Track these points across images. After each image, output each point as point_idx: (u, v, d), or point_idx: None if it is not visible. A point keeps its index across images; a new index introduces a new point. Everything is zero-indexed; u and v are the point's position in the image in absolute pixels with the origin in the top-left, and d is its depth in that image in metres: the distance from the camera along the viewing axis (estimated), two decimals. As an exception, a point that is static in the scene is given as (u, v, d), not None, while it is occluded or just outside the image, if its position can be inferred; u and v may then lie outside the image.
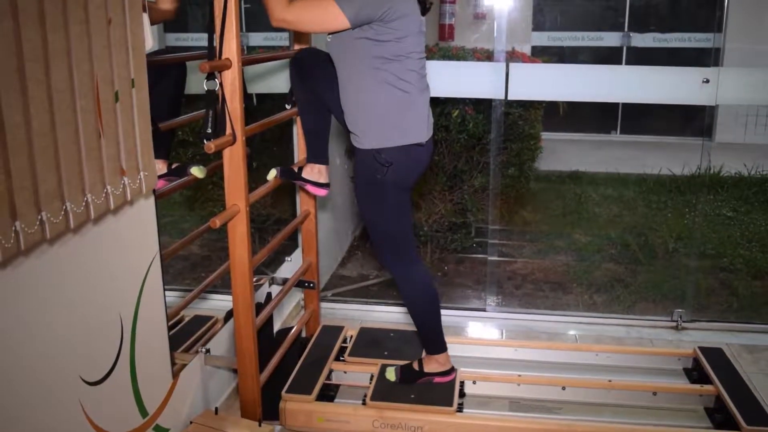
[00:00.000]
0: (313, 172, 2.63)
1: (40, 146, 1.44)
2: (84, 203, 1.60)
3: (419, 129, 2.35)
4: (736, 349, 3.21)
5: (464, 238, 4.40)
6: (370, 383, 2.71)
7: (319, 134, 2.61)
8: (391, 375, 2.70)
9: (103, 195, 1.68)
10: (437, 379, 2.67)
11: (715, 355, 2.90)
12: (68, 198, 1.54)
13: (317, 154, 2.62)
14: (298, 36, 2.83)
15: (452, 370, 2.70)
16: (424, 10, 2.36)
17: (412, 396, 2.60)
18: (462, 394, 2.70)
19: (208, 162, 2.53)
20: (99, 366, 1.83)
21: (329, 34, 2.29)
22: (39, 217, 1.46)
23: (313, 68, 2.50)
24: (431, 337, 2.66)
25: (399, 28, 2.22)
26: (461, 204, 4.19)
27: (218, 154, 2.21)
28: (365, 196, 2.43)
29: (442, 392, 2.62)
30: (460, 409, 2.60)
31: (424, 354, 2.71)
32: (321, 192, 2.67)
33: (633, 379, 2.82)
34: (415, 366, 2.69)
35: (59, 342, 1.66)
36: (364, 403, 2.60)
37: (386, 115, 2.30)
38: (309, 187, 2.67)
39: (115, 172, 1.72)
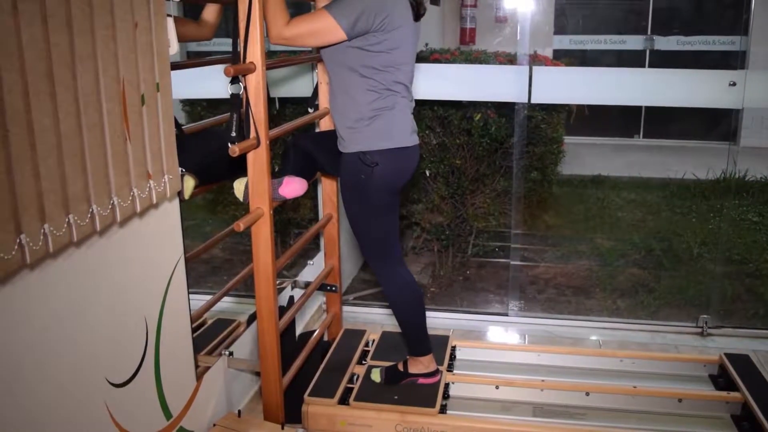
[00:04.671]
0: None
1: (68, 149, 1.45)
2: (110, 206, 1.62)
3: (403, 135, 2.39)
4: (763, 356, 3.17)
5: (486, 243, 4.38)
6: (355, 383, 2.72)
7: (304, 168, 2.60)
8: (376, 376, 2.71)
9: (130, 198, 1.69)
10: (422, 380, 2.68)
11: (741, 361, 2.86)
12: (95, 201, 1.56)
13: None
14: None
15: (437, 371, 2.70)
16: (417, 16, 2.38)
17: (396, 397, 2.61)
18: (446, 396, 2.69)
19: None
20: (124, 368, 1.84)
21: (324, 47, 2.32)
22: (67, 219, 1.47)
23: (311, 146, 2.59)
24: (416, 339, 2.67)
25: (391, 39, 2.26)
26: (483, 208, 4.17)
27: (242, 157, 2.22)
28: (350, 197, 2.46)
29: (425, 393, 2.63)
30: (443, 410, 2.59)
31: (408, 356, 2.72)
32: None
33: (658, 385, 2.79)
34: (400, 367, 2.70)
35: (85, 344, 1.67)
36: (347, 403, 2.60)
37: (371, 121, 2.34)
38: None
39: (141, 176, 1.74)
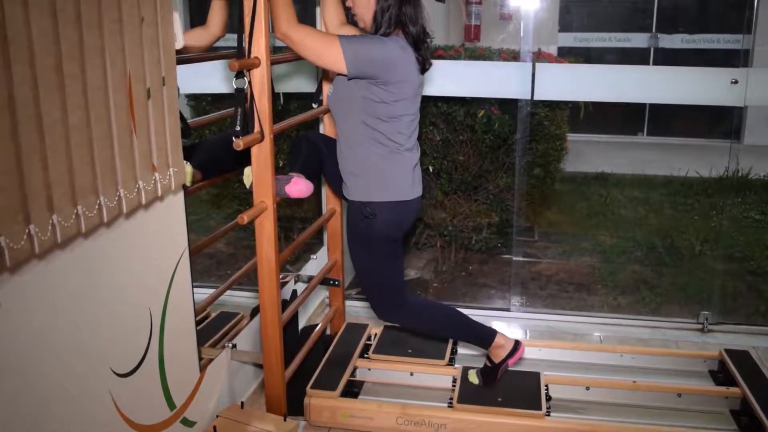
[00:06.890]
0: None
1: (76, 142, 1.48)
2: (117, 198, 1.64)
3: (404, 187, 2.42)
4: (762, 352, 3.18)
5: (489, 239, 4.40)
6: (453, 386, 2.72)
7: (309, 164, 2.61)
8: (473, 378, 2.71)
9: (135, 190, 1.71)
10: (511, 362, 2.68)
11: (741, 357, 2.88)
12: (102, 192, 1.58)
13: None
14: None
15: (517, 344, 2.71)
16: (423, 70, 2.40)
17: (499, 399, 2.60)
18: (548, 398, 2.68)
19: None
20: (129, 358, 1.87)
21: (332, 76, 2.35)
22: (75, 210, 1.50)
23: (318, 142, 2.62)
24: (475, 336, 2.70)
25: (395, 91, 2.29)
26: (486, 204, 4.19)
27: (246, 151, 2.24)
28: (352, 242, 2.52)
29: (528, 395, 2.61)
30: (548, 413, 2.57)
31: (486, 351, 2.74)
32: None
33: (658, 380, 2.81)
34: (488, 363, 2.71)
35: (91, 333, 1.69)
36: (450, 406, 2.61)
37: (373, 172, 2.38)
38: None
39: (147, 168, 1.76)
